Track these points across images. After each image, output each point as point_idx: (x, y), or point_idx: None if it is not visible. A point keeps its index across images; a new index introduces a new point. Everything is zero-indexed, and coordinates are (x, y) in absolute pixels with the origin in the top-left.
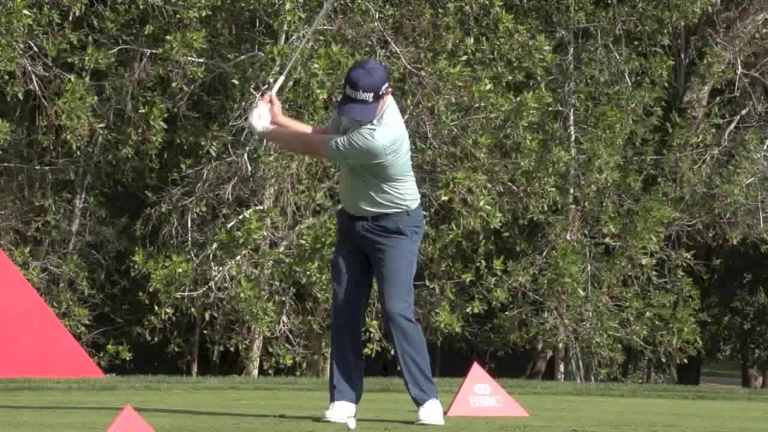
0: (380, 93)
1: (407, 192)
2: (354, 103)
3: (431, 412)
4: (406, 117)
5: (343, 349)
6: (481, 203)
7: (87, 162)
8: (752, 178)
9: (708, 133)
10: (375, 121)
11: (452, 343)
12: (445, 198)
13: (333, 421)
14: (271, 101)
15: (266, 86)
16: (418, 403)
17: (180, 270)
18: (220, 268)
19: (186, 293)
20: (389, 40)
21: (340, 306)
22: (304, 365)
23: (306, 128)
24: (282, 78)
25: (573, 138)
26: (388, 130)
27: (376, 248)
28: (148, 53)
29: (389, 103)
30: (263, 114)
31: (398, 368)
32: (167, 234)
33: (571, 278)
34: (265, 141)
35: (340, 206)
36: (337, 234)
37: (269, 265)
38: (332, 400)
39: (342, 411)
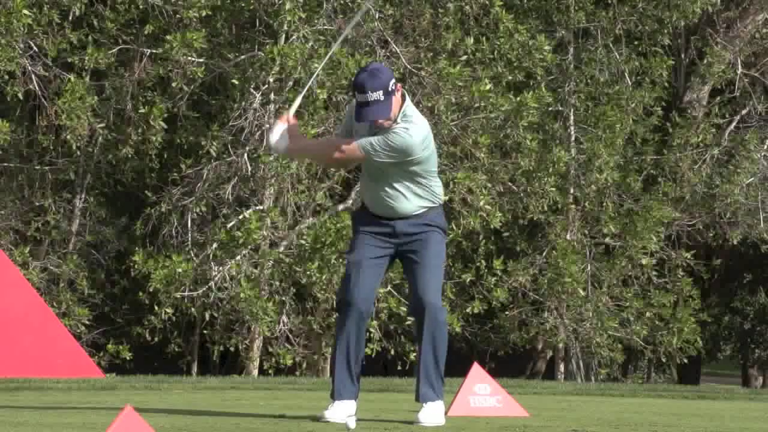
0: (389, 89)
1: (438, 186)
2: (368, 107)
3: (433, 413)
4: None
5: (350, 348)
6: (481, 203)
7: (87, 162)
8: (752, 178)
9: (708, 133)
10: (399, 119)
11: (452, 343)
12: (445, 198)
13: (332, 422)
14: (288, 121)
15: (266, 86)
16: (424, 400)
17: (180, 270)
18: (220, 268)
19: (186, 293)
20: (389, 40)
21: (354, 305)
22: (304, 365)
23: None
24: (299, 99)
25: (573, 138)
26: (420, 127)
27: (418, 240)
28: (148, 53)
29: (408, 102)
30: (283, 134)
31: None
32: (167, 234)
33: (571, 278)
34: (264, 141)
35: (355, 207)
36: (358, 234)
37: (269, 265)
38: (333, 399)
39: (342, 411)
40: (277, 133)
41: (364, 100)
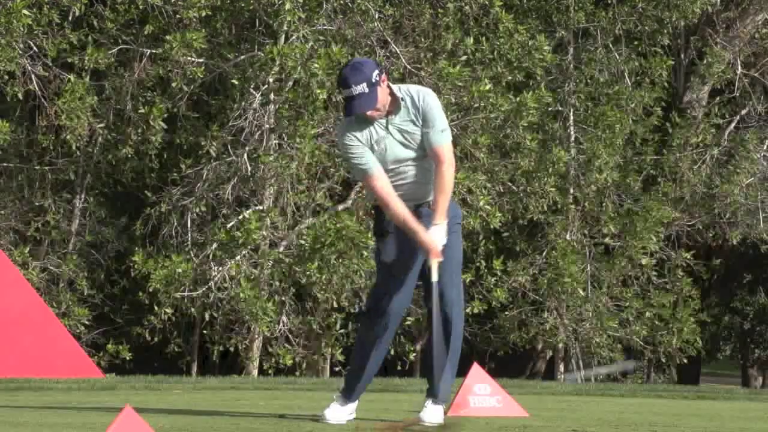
0: (373, 81)
1: None
2: (353, 101)
3: (437, 413)
4: None
5: (378, 354)
6: (481, 203)
7: (87, 162)
8: (752, 178)
9: (708, 133)
10: (401, 95)
11: None
12: None
13: (333, 423)
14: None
15: (266, 86)
16: (443, 400)
17: (180, 270)
18: (220, 268)
19: (186, 293)
20: (389, 40)
21: (393, 314)
22: (304, 365)
23: (396, 198)
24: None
25: (573, 138)
26: (423, 87)
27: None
28: (148, 53)
29: (394, 86)
30: (439, 230)
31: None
32: (167, 234)
33: (571, 278)
34: (264, 141)
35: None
36: (400, 240)
37: (269, 265)
38: (345, 399)
39: (345, 412)
40: (439, 235)
41: (349, 95)
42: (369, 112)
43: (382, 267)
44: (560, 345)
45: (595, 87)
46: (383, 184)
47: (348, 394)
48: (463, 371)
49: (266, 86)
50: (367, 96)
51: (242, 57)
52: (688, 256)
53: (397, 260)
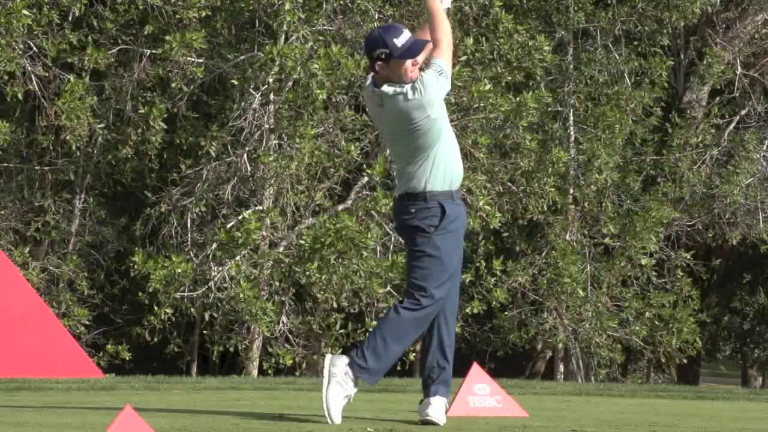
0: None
1: None
2: (415, 41)
3: (440, 410)
4: None
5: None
6: (481, 203)
7: (87, 162)
8: (752, 179)
9: (707, 133)
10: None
11: None
12: None
13: (335, 420)
14: None
15: (265, 86)
16: (444, 396)
17: (179, 270)
18: (220, 269)
19: (185, 293)
20: None
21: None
22: (304, 365)
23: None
24: None
25: (572, 138)
26: None
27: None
28: (147, 53)
29: None
30: None
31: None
32: (167, 234)
33: (571, 278)
34: (264, 141)
35: (443, 188)
36: (458, 234)
37: (269, 266)
38: (358, 380)
39: (342, 397)
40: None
41: (408, 36)
42: (412, 66)
43: (439, 263)
44: (560, 345)
45: (594, 87)
46: (437, 34)
47: (365, 376)
48: (463, 371)
49: (266, 86)
50: (415, 39)
51: (242, 57)
52: (688, 256)
53: (457, 259)
